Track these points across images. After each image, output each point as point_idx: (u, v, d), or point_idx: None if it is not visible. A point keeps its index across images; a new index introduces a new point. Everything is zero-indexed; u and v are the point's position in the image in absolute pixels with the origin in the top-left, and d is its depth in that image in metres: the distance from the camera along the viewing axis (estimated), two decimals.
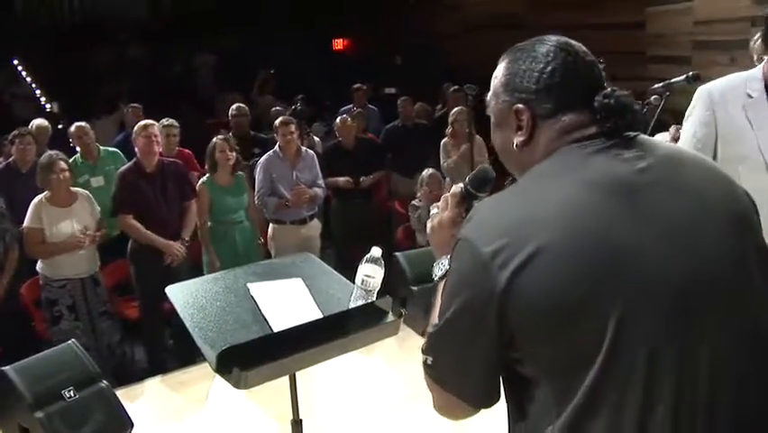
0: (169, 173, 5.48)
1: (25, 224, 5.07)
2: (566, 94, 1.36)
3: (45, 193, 5.11)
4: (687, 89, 3.82)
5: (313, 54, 13.63)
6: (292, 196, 6.01)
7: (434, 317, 1.45)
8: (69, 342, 4.33)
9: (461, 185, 1.65)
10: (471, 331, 1.30)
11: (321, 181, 6.31)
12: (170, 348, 5.81)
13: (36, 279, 5.43)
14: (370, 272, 2.37)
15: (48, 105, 12.18)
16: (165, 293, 5.23)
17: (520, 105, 1.38)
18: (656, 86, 4.18)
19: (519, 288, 1.21)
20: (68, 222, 5.09)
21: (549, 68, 1.37)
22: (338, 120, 7.17)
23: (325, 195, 6.47)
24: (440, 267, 1.58)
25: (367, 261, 2.38)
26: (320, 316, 2.42)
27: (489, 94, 1.47)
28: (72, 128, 6.43)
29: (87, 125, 6.44)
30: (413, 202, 6.79)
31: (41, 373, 4.05)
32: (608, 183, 1.27)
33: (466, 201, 1.63)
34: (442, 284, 1.50)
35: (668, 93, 4.06)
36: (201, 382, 4.87)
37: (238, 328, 2.34)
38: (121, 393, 4.38)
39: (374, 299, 2.40)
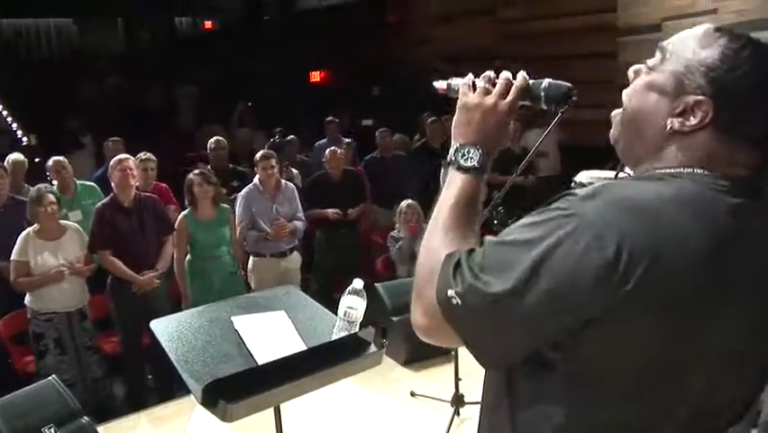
0: (147, 208, 5.48)
1: (12, 256, 5.06)
2: (757, 121, 1.21)
3: (34, 226, 5.12)
4: None
5: (291, 86, 13.71)
6: (272, 229, 6.03)
7: (444, 218, 1.35)
8: (50, 378, 4.31)
9: (527, 77, 1.44)
10: (539, 316, 1.13)
11: (301, 214, 6.33)
12: (150, 383, 5.78)
13: (15, 314, 5.43)
14: (353, 304, 2.41)
15: (25, 139, 12.12)
16: (145, 328, 5.27)
17: (708, 99, 1.20)
18: None
19: (627, 304, 1.09)
20: (53, 255, 5.09)
21: (763, 85, 1.19)
22: (327, 152, 7.18)
23: (306, 227, 6.49)
24: (466, 156, 1.40)
25: (349, 292, 2.42)
26: (304, 348, 2.44)
27: (674, 52, 1.26)
28: (50, 162, 6.42)
29: (65, 160, 6.43)
30: (392, 233, 6.81)
31: (22, 409, 4.02)
32: (734, 247, 1.16)
33: (522, 99, 1.44)
34: (459, 176, 1.39)
35: None
36: (181, 416, 4.85)
37: (223, 361, 2.36)
38: (102, 430, 4.37)
39: (357, 330, 2.43)
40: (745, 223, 1.17)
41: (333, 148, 7.27)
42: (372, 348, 2.48)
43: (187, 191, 5.70)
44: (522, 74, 1.44)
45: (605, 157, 6.40)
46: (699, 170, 1.20)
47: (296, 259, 6.36)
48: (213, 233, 5.68)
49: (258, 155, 6.30)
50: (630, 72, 1.34)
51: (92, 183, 6.66)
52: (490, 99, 1.42)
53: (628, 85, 1.32)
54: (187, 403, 5.24)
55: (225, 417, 2.12)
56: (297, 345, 2.46)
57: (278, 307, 2.65)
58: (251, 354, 2.40)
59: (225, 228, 5.76)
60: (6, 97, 13.07)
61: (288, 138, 8.46)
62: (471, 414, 4.55)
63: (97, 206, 5.48)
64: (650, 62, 1.30)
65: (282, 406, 2.61)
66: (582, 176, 5.65)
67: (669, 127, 1.22)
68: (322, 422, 4.67)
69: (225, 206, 5.91)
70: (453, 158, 1.41)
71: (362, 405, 4.94)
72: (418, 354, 5.45)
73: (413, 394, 4.98)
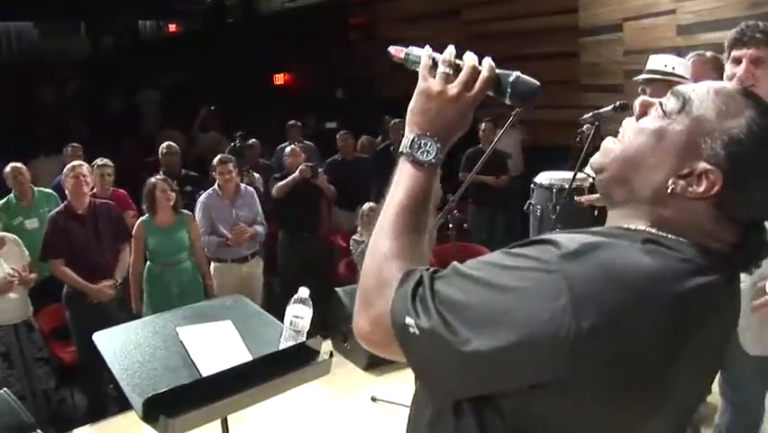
0: (102, 214, 5.38)
1: None
2: (757, 207, 1.16)
3: None
4: (616, 118, 3.98)
5: (254, 89, 13.61)
6: (232, 235, 5.97)
7: (393, 213, 1.27)
8: (1, 391, 4.22)
9: (495, 68, 1.31)
10: (497, 368, 1.07)
11: (261, 218, 6.28)
12: (111, 392, 5.69)
13: None
14: (299, 313, 2.38)
15: None
16: None
17: (720, 173, 1.12)
18: (586, 116, 4.32)
19: (584, 379, 1.04)
20: None
21: None
22: (287, 150, 7.15)
23: (266, 231, 6.42)
24: (423, 148, 1.30)
25: (295, 301, 2.38)
26: (250, 358, 2.40)
27: (696, 107, 1.17)
28: (7, 168, 6.29)
29: (23, 166, 6.31)
30: (354, 237, 6.79)
31: None
32: (699, 337, 1.12)
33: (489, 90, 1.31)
34: (413, 171, 1.29)
35: (597, 122, 4.20)
36: (140, 426, 4.78)
37: (166, 374, 2.30)
38: None
39: (304, 339, 2.39)
40: (715, 308, 1.14)
41: (292, 146, 7.24)
42: (320, 357, 2.44)
43: (147, 196, 5.60)
44: (489, 63, 1.31)
45: (565, 157, 6.44)
46: (684, 241, 1.14)
47: (257, 263, 6.31)
48: (171, 239, 5.60)
49: (215, 160, 6.23)
50: (637, 104, 1.25)
51: (50, 190, 6.54)
52: (454, 89, 1.30)
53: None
54: None
55: (168, 432, 2.07)
56: (243, 356, 2.41)
57: (225, 316, 2.59)
58: (196, 366, 2.35)
59: (184, 234, 5.67)
60: None
61: (249, 142, 8.37)
62: None
63: (51, 214, 5.38)
64: (667, 106, 1.20)
65: (240, 412, 2.56)
66: (542, 177, 5.68)
67: (670, 189, 1.15)
68: (281, 429, 4.62)
69: (186, 212, 5.82)
70: (409, 149, 1.30)
71: (323, 411, 4.90)
72: (380, 359, 5.37)
73: (374, 399, 4.94)
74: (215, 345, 2.44)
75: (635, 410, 1.11)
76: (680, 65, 3.89)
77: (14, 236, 5.29)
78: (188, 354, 2.39)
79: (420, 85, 1.34)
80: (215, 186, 6.14)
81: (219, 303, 2.82)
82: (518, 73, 1.30)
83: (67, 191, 5.32)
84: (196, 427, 2.23)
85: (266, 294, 6.49)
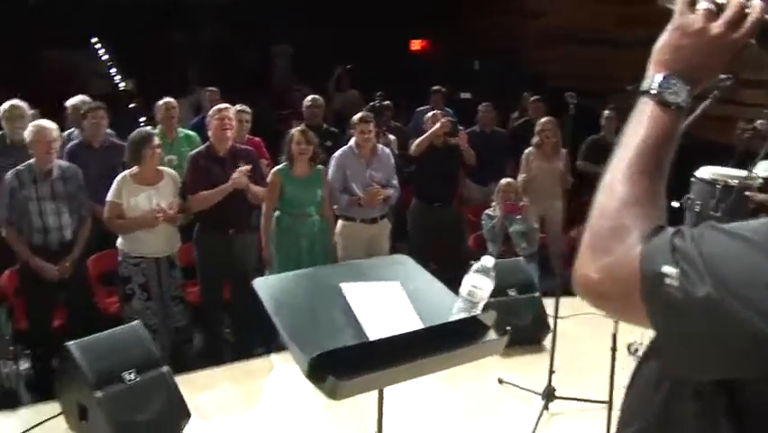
0: (241, 158, 5.35)
1: (108, 197, 4.96)
2: None
3: (132, 169, 5.01)
4: None
5: (389, 53, 13.45)
6: (366, 195, 5.81)
7: (628, 157, 1.11)
8: (134, 323, 4.26)
9: (766, 9, 1.10)
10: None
11: (395, 181, 6.10)
12: (228, 337, 5.69)
13: (103, 254, 5.44)
14: (479, 283, 2.17)
15: (123, 84, 12.21)
16: (227, 280, 5.20)
17: None
18: None
19: None
20: (148, 199, 4.97)
21: None
22: (429, 114, 6.99)
23: (398, 195, 6.25)
24: (672, 88, 1.12)
25: (476, 270, 2.18)
26: (420, 326, 2.21)
27: None
28: (160, 102, 6.35)
29: (175, 102, 6.36)
30: (487, 211, 6.57)
31: (104, 352, 4.00)
32: None
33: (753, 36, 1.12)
34: (659, 111, 1.12)
35: None
36: (261, 376, 4.74)
37: (329, 332, 2.14)
38: (179, 380, 4.27)
39: (479, 312, 2.19)
40: None
41: (434, 111, 7.07)
42: (493, 334, 2.23)
43: (286, 145, 5.55)
44: (760, 3, 1.11)
45: (715, 153, 5.95)
46: None
47: (385, 225, 6.11)
48: (305, 191, 5.54)
49: (356, 118, 6.08)
50: None
51: (193, 132, 6.58)
52: (716, 28, 1.11)
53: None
54: (267, 363, 5.16)
55: (335, 394, 1.91)
56: (414, 323, 2.22)
57: (392, 277, 2.40)
58: (362, 327, 2.18)
59: (318, 188, 5.60)
60: (108, 42, 13.17)
61: (386, 103, 8.25)
62: (561, 409, 4.32)
63: (191, 153, 5.39)
64: None
65: None
66: (704, 171, 5.29)
67: None
68: (410, 406, 4.45)
69: (320, 166, 5.73)
70: (657, 88, 1.13)
71: (449, 391, 4.73)
72: (509, 340, 5.19)
73: (500, 381, 4.75)
74: (383, 306, 2.25)
75: None
76: None
77: (173, 171, 5.32)
78: (353, 314, 2.22)
79: (676, 20, 1.15)
80: (352, 143, 6.01)
81: (382, 261, 2.66)
82: None
83: (210, 133, 5.32)
84: (359, 393, 2.08)
85: None
